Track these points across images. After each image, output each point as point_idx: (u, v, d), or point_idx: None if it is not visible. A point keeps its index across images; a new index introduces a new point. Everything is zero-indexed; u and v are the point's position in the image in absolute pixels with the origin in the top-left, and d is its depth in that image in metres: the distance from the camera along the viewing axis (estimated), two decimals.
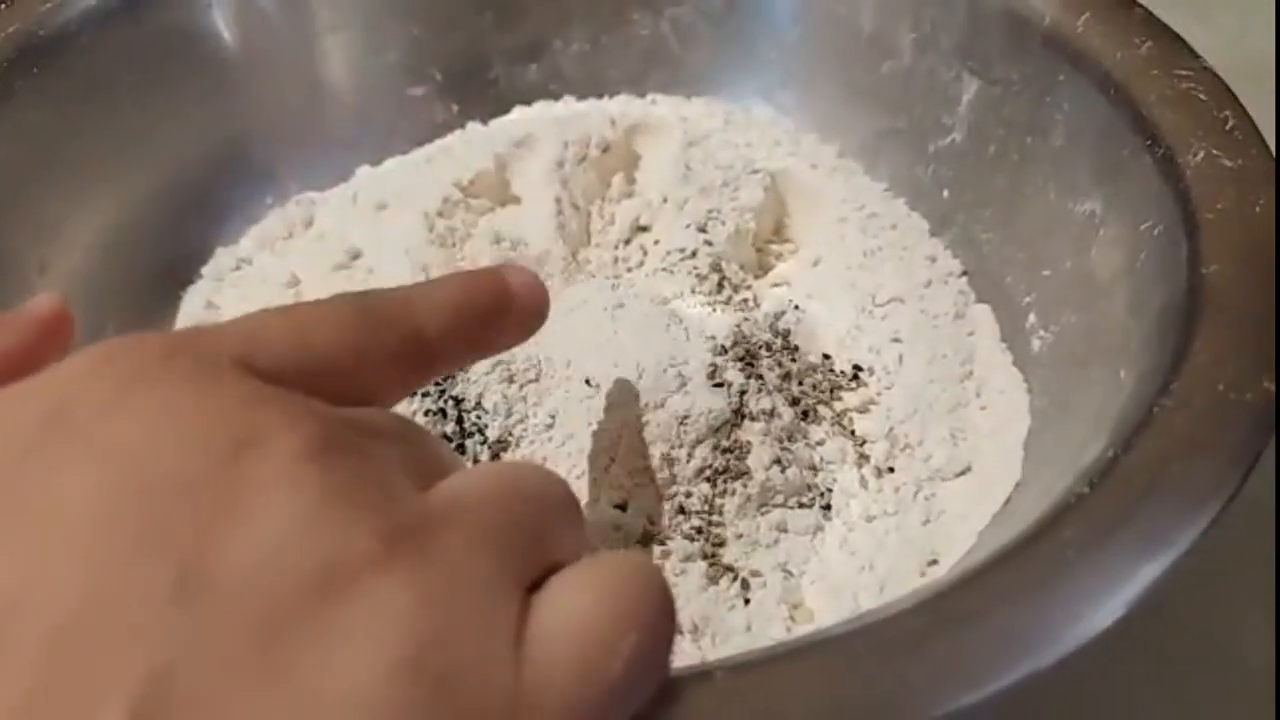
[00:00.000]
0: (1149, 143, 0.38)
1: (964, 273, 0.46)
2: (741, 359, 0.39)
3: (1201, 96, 0.38)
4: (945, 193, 0.48)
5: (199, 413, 0.18)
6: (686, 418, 0.37)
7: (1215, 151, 0.36)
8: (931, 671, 0.23)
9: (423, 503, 0.19)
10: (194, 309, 0.47)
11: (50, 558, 0.16)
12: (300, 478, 0.18)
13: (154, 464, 0.17)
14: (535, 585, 0.20)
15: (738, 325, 0.41)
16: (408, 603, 0.17)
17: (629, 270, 0.48)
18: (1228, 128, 0.37)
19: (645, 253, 0.48)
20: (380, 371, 0.23)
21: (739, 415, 0.37)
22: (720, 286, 0.45)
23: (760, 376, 0.39)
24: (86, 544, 0.16)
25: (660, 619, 0.20)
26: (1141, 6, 0.42)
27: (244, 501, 0.17)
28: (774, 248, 0.49)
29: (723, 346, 0.39)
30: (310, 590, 0.16)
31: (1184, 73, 0.39)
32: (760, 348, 0.40)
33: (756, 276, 0.47)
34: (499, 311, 0.27)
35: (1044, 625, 0.24)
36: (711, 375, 0.38)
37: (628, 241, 0.49)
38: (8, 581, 0.16)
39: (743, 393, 0.38)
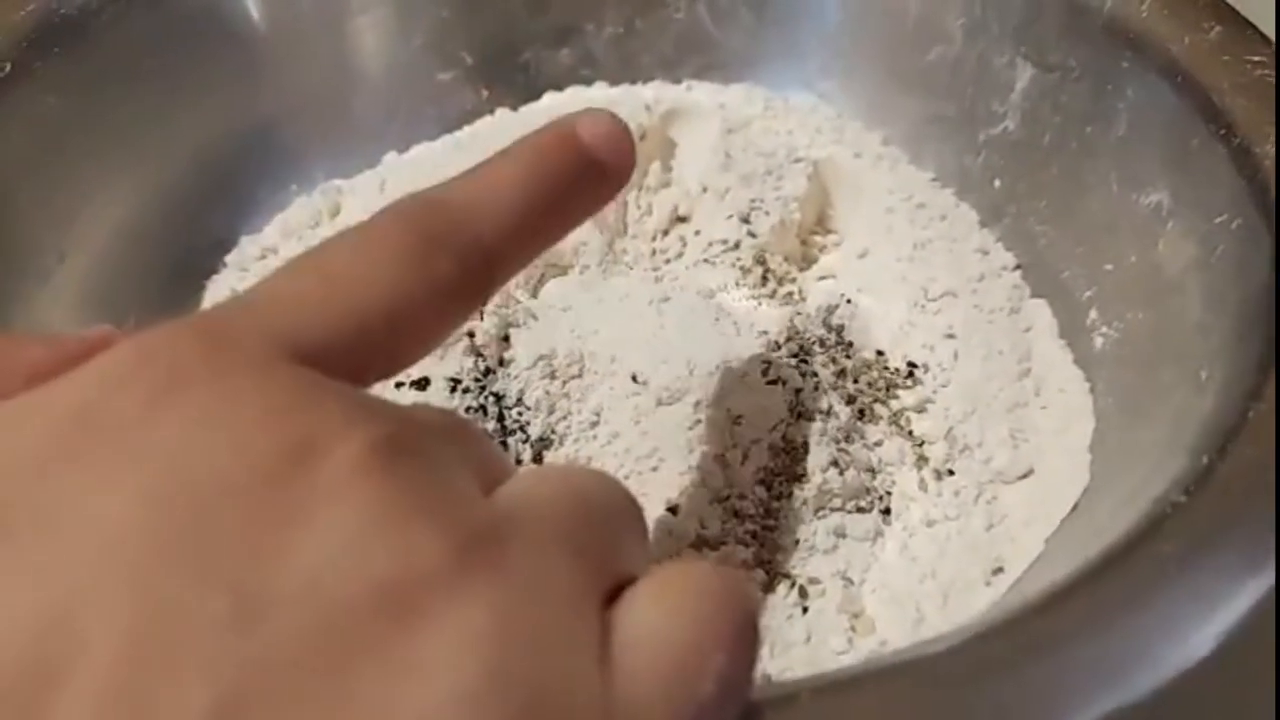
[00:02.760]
0: (1222, 132, 0.36)
1: (1017, 266, 0.44)
2: (795, 355, 0.37)
3: (1277, 84, 0.37)
4: (996, 183, 0.46)
5: (246, 413, 0.17)
6: (741, 417, 0.35)
7: None
8: (1030, 697, 0.22)
9: (490, 509, 0.18)
10: (219, 298, 0.45)
11: (91, 579, 0.15)
12: (362, 485, 0.16)
13: (198, 471, 0.16)
14: (608, 599, 0.18)
15: (790, 320, 0.39)
16: (485, 620, 0.16)
17: (667, 262, 0.46)
18: None
19: (685, 244, 0.46)
20: (436, 307, 0.21)
21: (794, 414, 0.36)
22: (764, 279, 0.43)
23: (815, 374, 0.37)
24: (130, 563, 0.15)
25: (747, 635, 0.19)
26: None
27: (302, 513, 0.16)
28: (817, 239, 0.47)
29: (775, 342, 0.38)
30: (379, 610, 0.15)
31: (1257, 59, 0.38)
32: (814, 343, 0.39)
33: (800, 269, 0.46)
34: (576, 182, 0.24)
35: (1148, 647, 0.23)
36: (765, 372, 0.36)
37: (666, 232, 0.47)
38: (46, 607, 0.14)
39: (798, 391, 0.36)
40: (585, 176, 0.24)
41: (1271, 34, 0.43)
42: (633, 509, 0.21)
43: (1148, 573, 0.24)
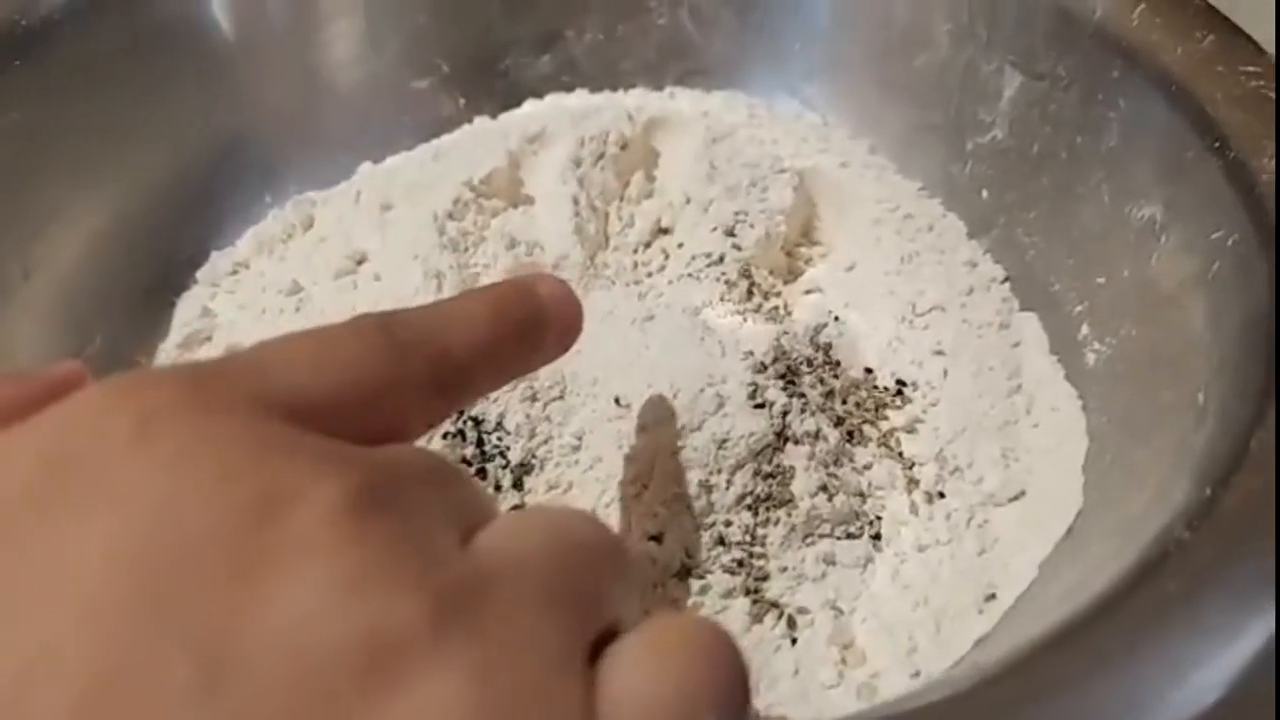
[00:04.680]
0: (1217, 145, 0.35)
1: (1006, 279, 0.43)
2: (782, 376, 0.36)
3: (1271, 95, 0.36)
4: (984, 193, 0.45)
5: (221, 461, 0.16)
6: (726, 441, 0.34)
7: None
8: None
9: (469, 560, 0.17)
10: (189, 316, 0.44)
11: (58, 629, 0.14)
12: (334, 539, 0.16)
13: (170, 519, 0.15)
14: (594, 651, 0.18)
15: (777, 339, 0.38)
16: (463, 685, 0.15)
17: (649, 275, 0.45)
18: None
19: (667, 257, 0.45)
20: (409, 401, 0.21)
21: (781, 438, 0.35)
22: (750, 293, 0.42)
23: (802, 395, 0.36)
24: (97, 614, 0.14)
25: (738, 693, 0.18)
26: None
27: (273, 567, 0.15)
28: (802, 251, 0.46)
29: (762, 363, 0.36)
30: (352, 675, 0.14)
31: (1251, 69, 0.37)
32: (801, 363, 0.38)
33: (786, 282, 0.45)
34: (533, 328, 0.25)
35: (1152, 691, 0.22)
36: (752, 395, 0.35)
37: (648, 245, 0.46)
38: (14, 656, 0.14)
39: (785, 413, 0.35)
40: (540, 325, 0.25)
41: (1262, 39, 0.42)
42: (618, 552, 0.21)
43: (1152, 613, 0.24)
